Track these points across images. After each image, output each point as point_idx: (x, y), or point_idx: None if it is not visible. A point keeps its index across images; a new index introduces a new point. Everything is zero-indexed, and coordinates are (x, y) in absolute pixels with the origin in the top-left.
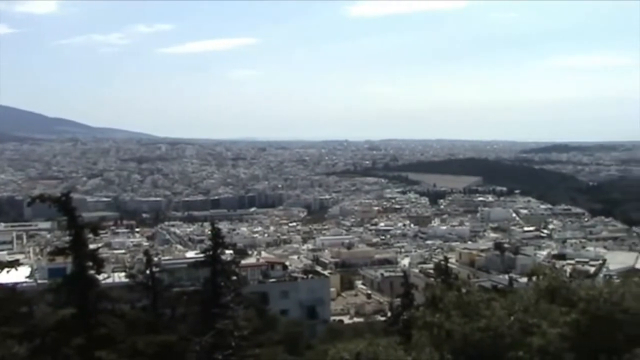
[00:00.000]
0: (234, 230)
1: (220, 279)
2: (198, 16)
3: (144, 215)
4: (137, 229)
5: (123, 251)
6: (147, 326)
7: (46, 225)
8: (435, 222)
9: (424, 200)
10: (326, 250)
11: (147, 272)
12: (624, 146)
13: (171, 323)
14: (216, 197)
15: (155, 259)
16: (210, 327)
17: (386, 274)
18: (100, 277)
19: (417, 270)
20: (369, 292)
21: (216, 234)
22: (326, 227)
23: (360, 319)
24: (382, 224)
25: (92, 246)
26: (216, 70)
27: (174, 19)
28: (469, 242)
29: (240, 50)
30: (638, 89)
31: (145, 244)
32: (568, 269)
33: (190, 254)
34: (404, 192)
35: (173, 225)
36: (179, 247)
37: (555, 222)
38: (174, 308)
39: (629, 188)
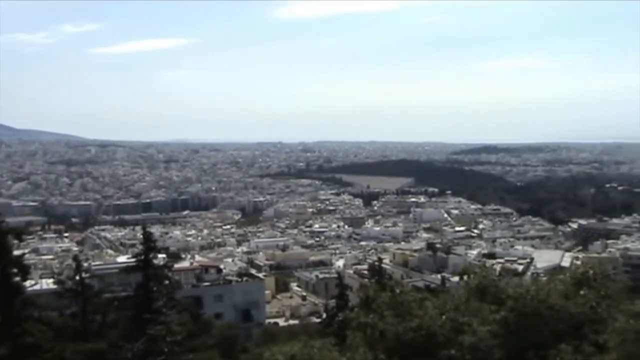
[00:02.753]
0: (166, 233)
1: (153, 284)
2: (127, 16)
3: (73, 219)
4: (65, 234)
5: (51, 257)
6: (75, 334)
7: None
8: (369, 223)
9: (358, 201)
10: (261, 253)
11: (77, 278)
12: (549, 147)
13: (101, 330)
14: (148, 201)
15: (85, 264)
16: (142, 333)
17: (321, 276)
18: (27, 284)
19: (351, 272)
20: (304, 294)
21: (148, 238)
22: (260, 229)
23: (296, 321)
24: (316, 226)
25: (17, 252)
26: (147, 70)
27: (103, 18)
28: (402, 243)
29: (171, 51)
30: (561, 91)
31: (75, 249)
32: (497, 267)
33: (122, 258)
34: (337, 194)
35: (103, 230)
36: (110, 251)
37: (485, 221)
38: (104, 314)
39: (554, 188)
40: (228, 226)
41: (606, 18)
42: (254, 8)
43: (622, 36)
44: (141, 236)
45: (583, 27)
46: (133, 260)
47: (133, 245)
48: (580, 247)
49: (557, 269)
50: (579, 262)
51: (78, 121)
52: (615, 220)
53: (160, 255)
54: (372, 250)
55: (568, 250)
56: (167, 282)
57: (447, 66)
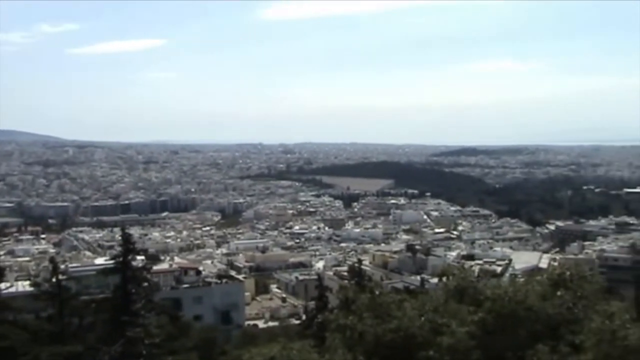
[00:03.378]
0: (145, 235)
1: (131, 286)
2: (107, 16)
3: (50, 221)
4: (42, 236)
5: (27, 259)
6: (52, 337)
7: None
8: (349, 224)
9: (338, 203)
10: (240, 255)
11: (53, 280)
12: (528, 149)
13: (78, 333)
14: (127, 202)
15: (62, 266)
16: (120, 336)
17: (301, 277)
18: (2, 286)
19: (331, 273)
20: (284, 295)
21: (126, 240)
22: (240, 231)
23: (275, 323)
24: (296, 228)
25: None
26: (127, 71)
27: (82, 18)
28: (382, 244)
29: (151, 52)
30: (540, 94)
31: (52, 250)
32: (476, 269)
33: (100, 260)
34: (318, 196)
35: (81, 231)
36: (88, 253)
37: (464, 223)
38: (81, 317)
39: (532, 190)
40: (207, 228)
41: (585, 21)
42: (237, 9)
43: (600, 39)
44: (119, 238)
45: (563, 30)
46: (111, 262)
47: (111, 247)
48: (557, 249)
49: (534, 270)
50: (556, 264)
51: (56, 122)
52: (591, 222)
53: (138, 257)
54: (352, 252)
55: (546, 251)
56: (145, 284)
57: (429, 68)
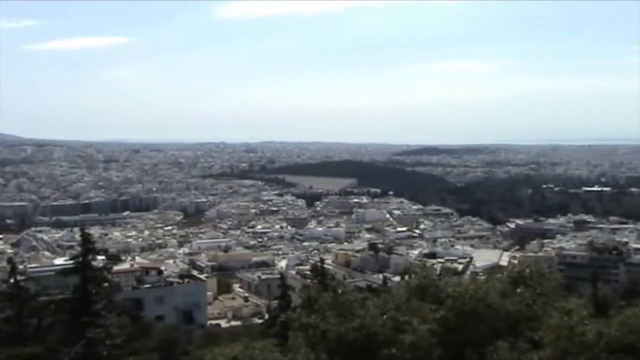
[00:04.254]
0: (106, 235)
1: (91, 286)
2: (67, 13)
3: (8, 221)
4: (0, 236)
5: None
6: (10, 338)
7: None
8: (312, 223)
9: (301, 202)
10: (203, 254)
11: (11, 280)
12: (488, 149)
13: (37, 334)
14: (87, 201)
15: (21, 266)
16: (80, 337)
17: (263, 277)
18: None
19: (294, 272)
20: (247, 295)
21: (86, 240)
22: (202, 230)
23: (238, 323)
24: (259, 227)
25: None
26: (86, 68)
27: (41, 15)
28: (345, 243)
29: (112, 49)
30: (500, 93)
31: (10, 251)
32: (438, 267)
33: (59, 260)
34: (280, 195)
35: (40, 231)
36: (47, 253)
37: (426, 222)
38: (40, 318)
39: (493, 189)
40: (169, 227)
41: (541, 23)
42: (198, 7)
43: (559, 40)
44: (79, 238)
45: (520, 31)
46: (71, 262)
47: (71, 247)
48: (517, 247)
49: (495, 268)
50: (516, 262)
51: (13, 120)
52: (551, 220)
53: (99, 257)
54: (315, 251)
55: (506, 249)
56: (106, 284)
57: (390, 68)
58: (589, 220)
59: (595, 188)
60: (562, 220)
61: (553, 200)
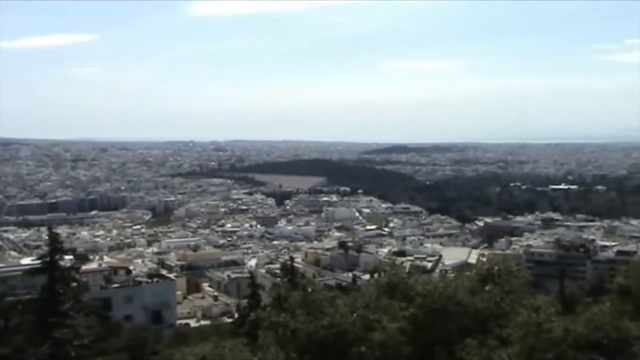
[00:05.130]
0: (73, 234)
1: (59, 286)
2: (33, 10)
3: None
4: None
5: None
6: None
7: None
8: (282, 222)
9: (270, 201)
10: (172, 253)
11: None
12: (457, 147)
13: (4, 334)
14: (54, 201)
15: None
16: (47, 337)
17: (233, 276)
18: None
19: (264, 271)
20: (216, 294)
21: (54, 239)
22: (172, 229)
23: (207, 322)
24: (228, 226)
25: None
26: (53, 66)
27: (7, 12)
28: (315, 242)
29: (79, 47)
30: (468, 92)
31: None
32: (407, 265)
33: (26, 260)
34: (250, 193)
35: (6, 231)
36: (13, 253)
37: (395, 220)
38: (7, 318)
39: (461, 187)
40: (138, 226)
41: (511, 22)
42: (165, 5)
43: (526, 39)
44: (47, 237)
45: (489, 30)
46: (38, 262)
47: (38, 247)
48: (486, 244)
49: (464, 266)
50: (484, 259)
51: None
52: (518, 218)
53: (66, 257)
54: (285, 250)
55: (474, 247)
56: (74, 284)
57: (359, 66)
58: (556, 218)
59: (563, 186)
60: (529, 218)
61: (521, 198)
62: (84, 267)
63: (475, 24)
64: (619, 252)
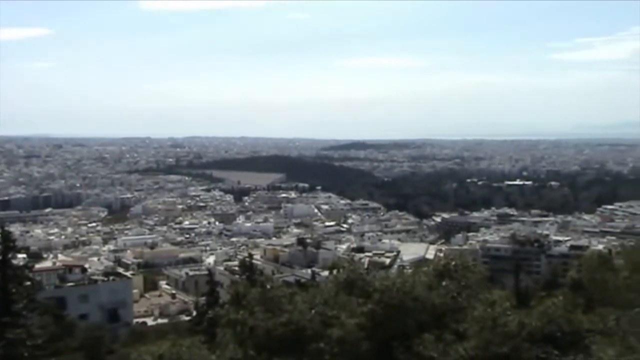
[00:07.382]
0: (27, 232)
1: (12, 285)
2: None
3: None
4: None
5: None
6: None
7: None
8: (240, 219)
9: (229, 197)
10: (128, 251)
11: None
12: (414, 144)
13: None
14: (6, 198)
15: None
16: (0, 338)
17: (191, 273)
18: None
19: (222, 268)
20: (174, 292)
21: (6, 237)
22: (128, 226)
23: (165, 320)
24: (186, 223)
25: None
26: (4, 61)
27: None
28: (273, 238)
29: (31, 41)
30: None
31: None
32: (366, 261)
33: None
34: (208, 190)
35: None
36: None
37: (354, 216)
38: None
39: (419, 183)
40: (93, 224)
41: (471, 19)
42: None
43: (485, 37)
44: None
45: (448, 28)
46: None
47: None
48: (443, 240)
49: (421, 262)
50: (441, 255)
51: None
52: (475, 214)
53: (19, 255)
54: (243, 247)
55: (432, 243)
56: (27, 283)
57: (318, 63)
58: (511, 213)
59: (518, 182)
60: (486, 213)
61: (477, 194)
62: (37, 266)
63: (433, 21)
64: (572, 247)
